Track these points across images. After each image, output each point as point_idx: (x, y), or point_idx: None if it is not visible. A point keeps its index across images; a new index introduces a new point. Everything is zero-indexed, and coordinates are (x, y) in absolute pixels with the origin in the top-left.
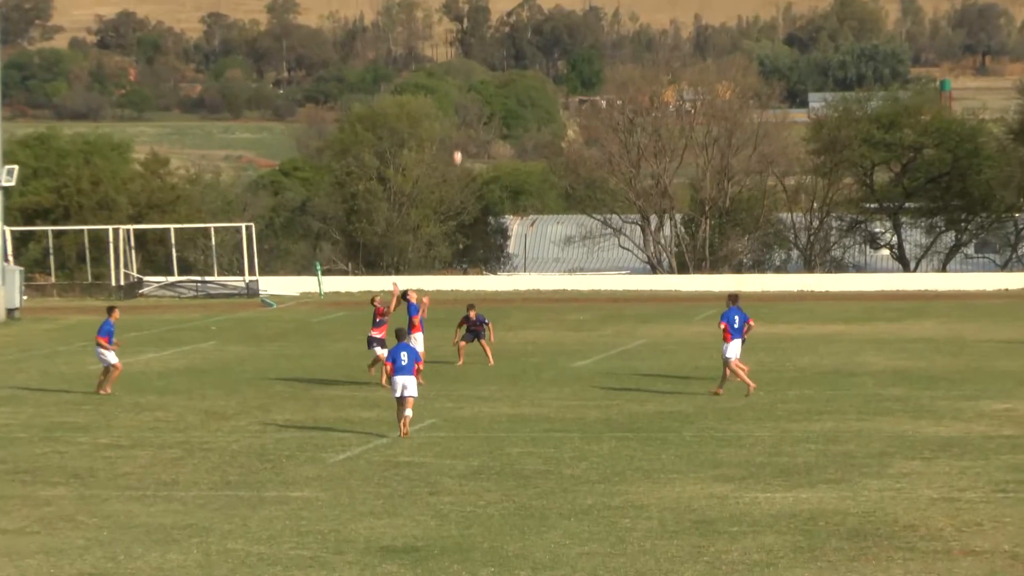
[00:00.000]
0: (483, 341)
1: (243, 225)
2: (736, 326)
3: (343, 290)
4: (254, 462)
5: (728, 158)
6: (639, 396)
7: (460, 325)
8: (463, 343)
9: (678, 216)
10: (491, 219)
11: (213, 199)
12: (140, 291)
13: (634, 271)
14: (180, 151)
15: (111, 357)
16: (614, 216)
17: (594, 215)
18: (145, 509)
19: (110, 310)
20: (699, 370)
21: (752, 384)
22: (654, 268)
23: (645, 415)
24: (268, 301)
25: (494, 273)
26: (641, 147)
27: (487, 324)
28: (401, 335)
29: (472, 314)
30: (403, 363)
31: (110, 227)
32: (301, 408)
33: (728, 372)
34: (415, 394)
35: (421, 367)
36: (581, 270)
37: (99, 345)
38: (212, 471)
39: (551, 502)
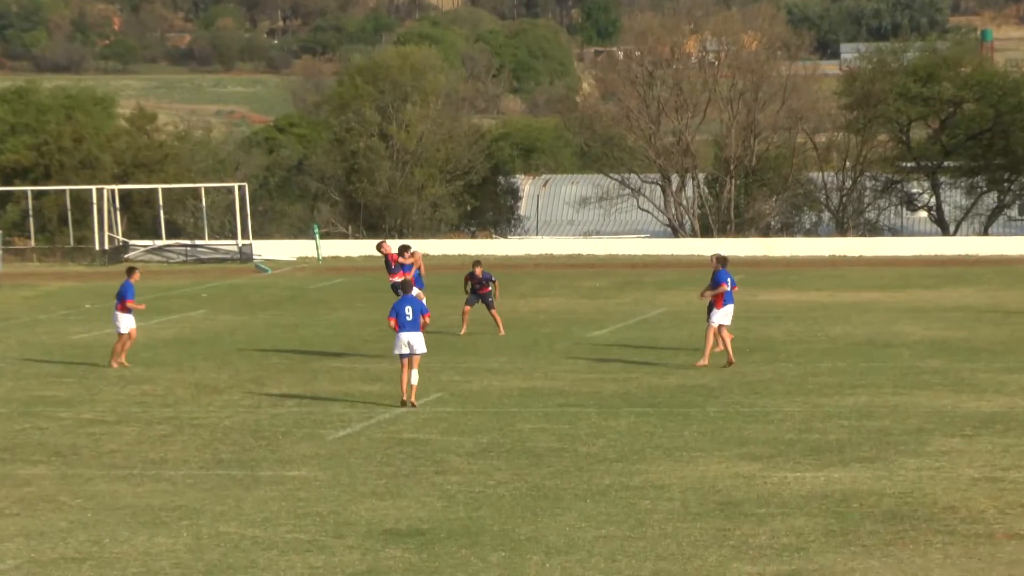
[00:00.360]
0: (493, 311)
1: (235, 185)
2: (729, 289)
3: (343, 254)
4: (248, 439)
5: (754, 113)
6: (659, 369)
7: (466, 282)
8: (467, 307)
9: (701, 176)
10: (501, 179)
11: (203, 157)
12: (125, 256)
13: (654, 234)
14: (168, 106)
15: (128, 322)
16: (632, 176)
17: (611, 175)
18: (132, 489)
19: (130, 271)
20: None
21: (733, 357)
22: (675, 231)
23: (666, 389)
24: (262, 266)
25: (504, 236)
26: (661, 101)
27: (493, 282)
28: (406, 287)
29: (478, 271)
30: (408, 318)
31: (93, 187)
32: (298, 381)
33: (713, 340)
34: (423, 350)
35: (428, 320)
36: (597, 233)
37: (125, 309)
38: (203, 449)
39: (566, 482)
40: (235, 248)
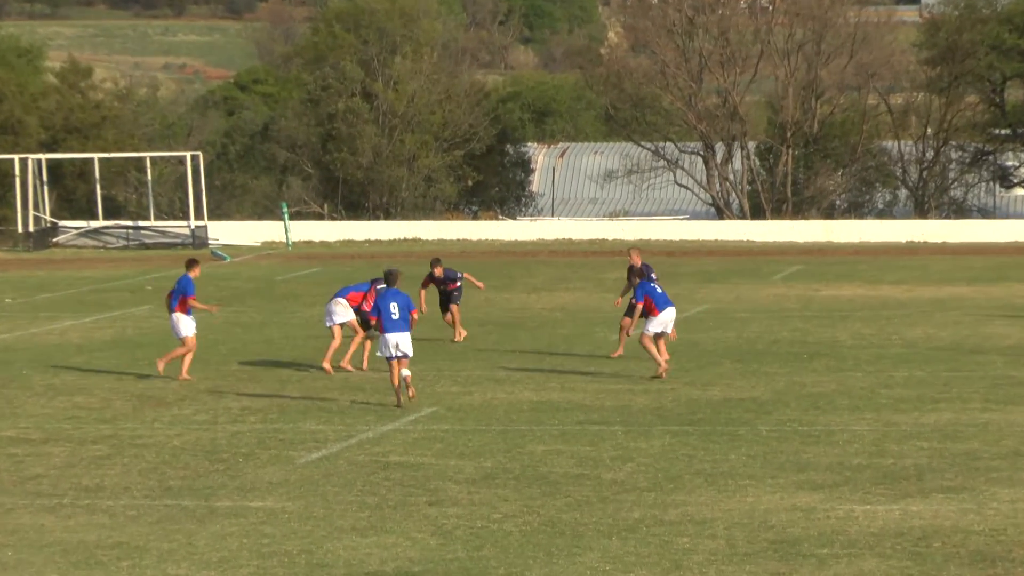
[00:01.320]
0: (453, 306)
1: (188, 155)
2: (396, 318)
3: (317, 239)
4: (202, 462)
5: (816, 69)
6: (700, 378)
7: (424, 286)
8: (448, 318)
9: (751, 144)
10: (509, 148)
11: (149, 121)
12: (54, 239)
13: (694, 216)
14: (107, 58)
15: (190, 326)
16: (668, 144)
17: (642, 143)
18: (61, 523)
19: (190, 264)
20: (778, 345)
21: (665, 366)
22: (720, 212)
23: (708, 403)
24: (220, 253)
25: (513, 218)
26: (704, 55)
27: (460, 279)
28: (390, 278)
29: (438, 271)
30: (393, 315)
31: (15, 156)
32: (263, 392)
33: (654, 348)
34: (411, 352)
35: (417, 317)
36: (626, 214)
37: (186, 309)
38: (147, 474)
39: (586, 515)
40: (187, 231)
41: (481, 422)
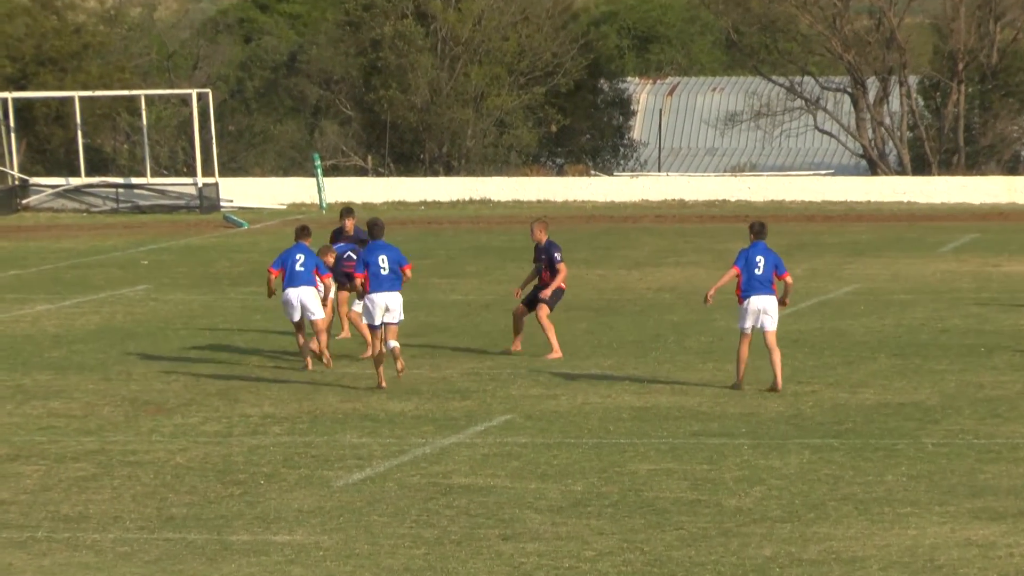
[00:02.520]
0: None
1: (194, 92)
2: (760, 273)
3: (359, 199)
4: (213, 485)
5: None
6: (848, 377)
7: (332, 240)
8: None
9: (913, 80)
10: (604, 84)
11: (144, 50)
12: (23, 201)
13: (839, 170)
14: None
15: (317, 305)
16: (807, 79)
17: (774, 77)
18: (34, 561)
19: (303, 231)
20: (948, 335)
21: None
22: (873, 165)
23: (859, 408)
24: (235, 219)
25: (609, 173)
26: None
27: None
28: (375, 230)
29: (349, 223)
30: (383, 270)
31: None
32: (290, 396)
33: (744, 356)
34: (401, 317)
35: (410, 274)
36: (753, 168)
37: (312, 281)
38: (143, 500)
39: (703, 553)
40: (192, 190)
41: (569, 434)
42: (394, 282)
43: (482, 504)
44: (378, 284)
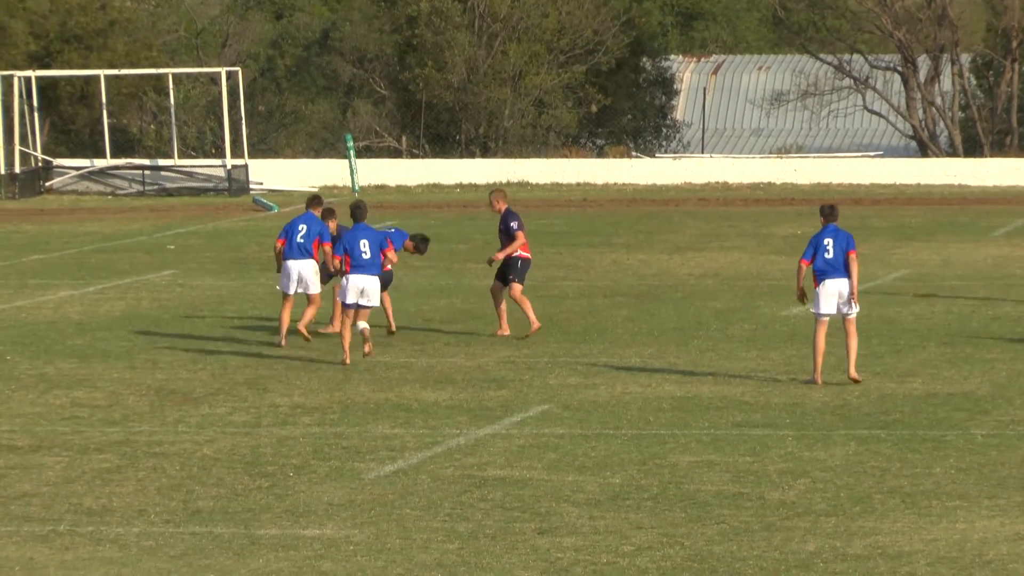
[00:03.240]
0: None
1: (223, 71)
2: (830, 256)
3: (392, 182)
4: (241, 477)
5: None
6: (896, 366)
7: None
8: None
9: (965, 58)
10: (646, 62)
11: (172, 27)
12: (47, 183)
13: (889, 152)
14: None
15: (315, 279)
16: (856, 58)
17: (822, 56)
18: (56, 556)
19: (313, 200)
20: (999, 321)
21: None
22: (923, 147)
23: (907, 399)
24: (265, 202)
25: (651, 155)
26: None
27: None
28: (358, 212)
29: (332, 225)
30: (364, 254)
31: None
32: (321, 385)
33: (821, 346)
34: (376, 302)
35: (393, 258)
36: (799, 150)
37: (315, 252)
38: (169, 492)
39: (745, 548)
40: (221, 172)
41: (608, 424)
42: (373, 267)
43: (518, 497)
44: (357, 267)
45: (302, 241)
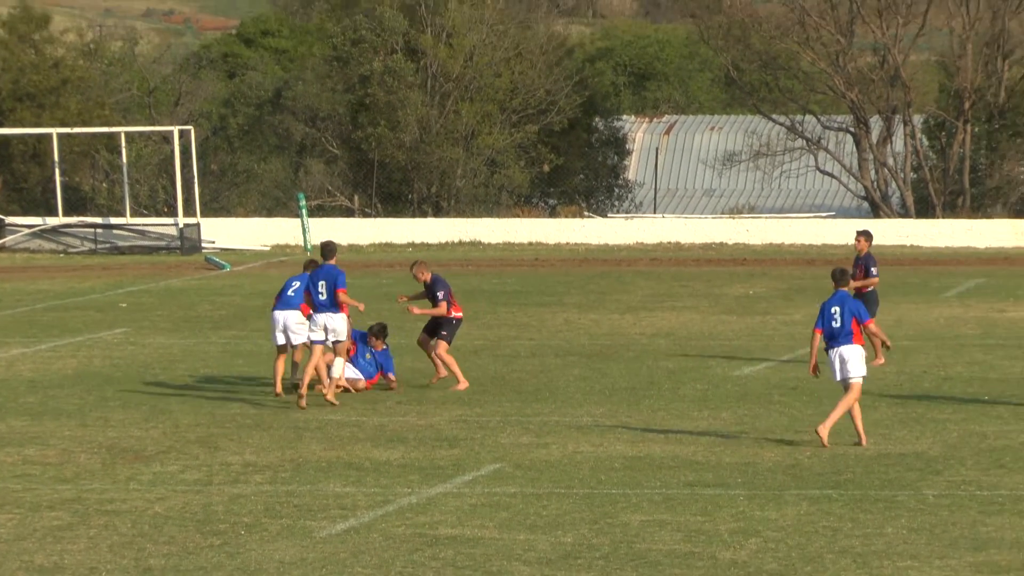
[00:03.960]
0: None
1: (175, 130)
2: (837, 325)
3: (345, 241)
4: (192, 535)
5: (1004, 19)
6: (848, 426)
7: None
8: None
9: (917, 119)
10: (599, 122)
11: (125, 85)
12: (0, 240)
13: (841, 213)
14: (70, 1)
15: (300, 328)
16: (808, 118)
17: (774, 116)
18: None
19: (328, 250)
20: (951, 383)
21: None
22: (876, 207)
23: (858, 459)
24: (217, 260)
25: (603, 215)
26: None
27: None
28: (326, 251)
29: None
30: (321, 295)
31: None
32: (272, 443)
33: (855, 411)
34: (343, 338)
35: (346, 299)
36: (751, 210)
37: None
38: (121, 550)
39: None
40: (173, 230)
41: (559, 483)
42: (331, 305)
43: (469, 556)
44: (317, 306)
45: (292, 295)
